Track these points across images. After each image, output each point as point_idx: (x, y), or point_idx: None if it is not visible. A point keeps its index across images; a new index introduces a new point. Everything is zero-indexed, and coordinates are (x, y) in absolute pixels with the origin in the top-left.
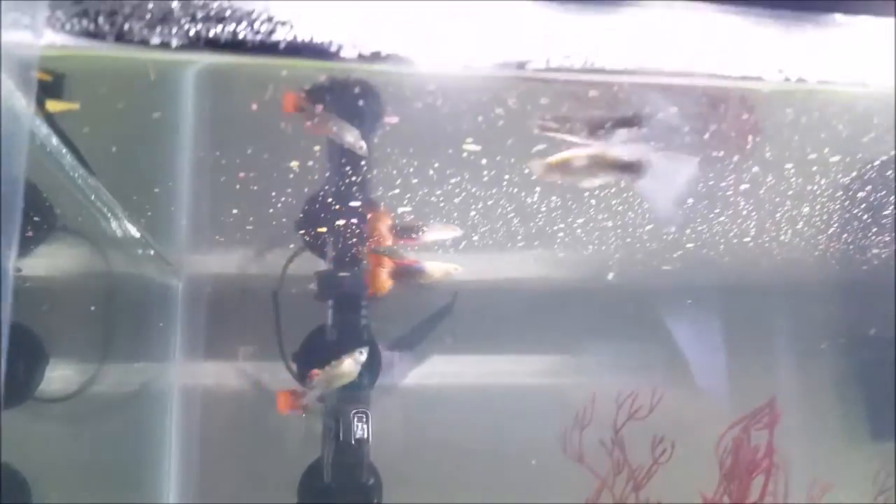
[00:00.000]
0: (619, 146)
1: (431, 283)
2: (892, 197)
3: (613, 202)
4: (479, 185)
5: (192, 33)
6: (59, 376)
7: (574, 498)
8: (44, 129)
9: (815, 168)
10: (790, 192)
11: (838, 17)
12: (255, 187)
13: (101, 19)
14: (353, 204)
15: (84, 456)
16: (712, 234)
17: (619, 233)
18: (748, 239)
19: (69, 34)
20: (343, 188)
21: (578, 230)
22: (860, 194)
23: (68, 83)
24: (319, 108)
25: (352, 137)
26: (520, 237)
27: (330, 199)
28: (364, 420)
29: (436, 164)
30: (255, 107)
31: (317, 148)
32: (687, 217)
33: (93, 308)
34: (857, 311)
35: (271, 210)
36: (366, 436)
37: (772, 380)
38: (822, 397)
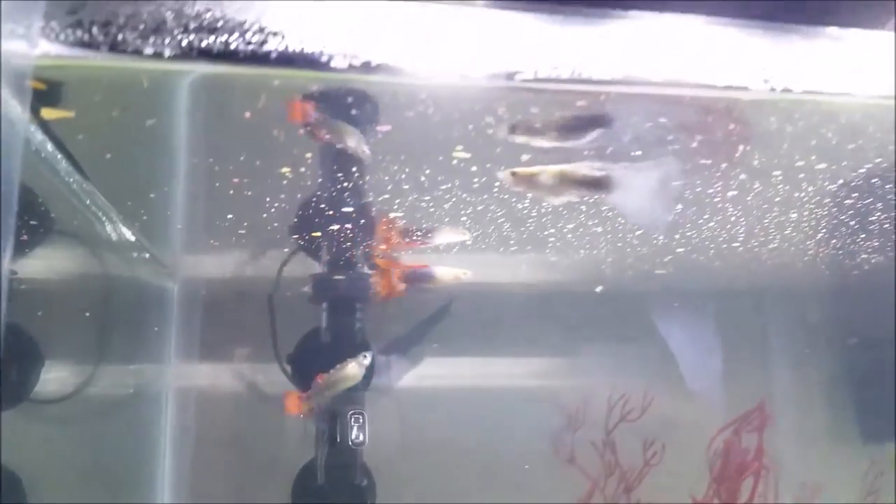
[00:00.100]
0: (588, 162)
1: (441, 287)
2: (880, 204)
3: (604, 207)
4: (469, 191)
5: (184, 43)
6: (54, 378)
7: (566, 499)
8: (39, 136)
9: (802, 175)
10: (777, 199)
11: (827, 29)
12: (250, 192)
13: (95, 29)
14: (348, 209)
15: (79, 457)
16: (702, 239)
17: (609, 238)
18: (737, 244)
19: (64, 44)
20: (337, 193)
21: (569, 235)
22: (847, 201)
23: (66, 91)
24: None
25: (355, 143)
26: (512, 241)
27: (323, 204)
28: (359, 421)
29: (427, 171)
30: (248, 115)
31: (308, 155)
32: (675, 222)
33: (88, 310)
34: (847, 315)
35: (265, 215)
36: (360, 437)
37: (763, 383)
38: (812, 400)
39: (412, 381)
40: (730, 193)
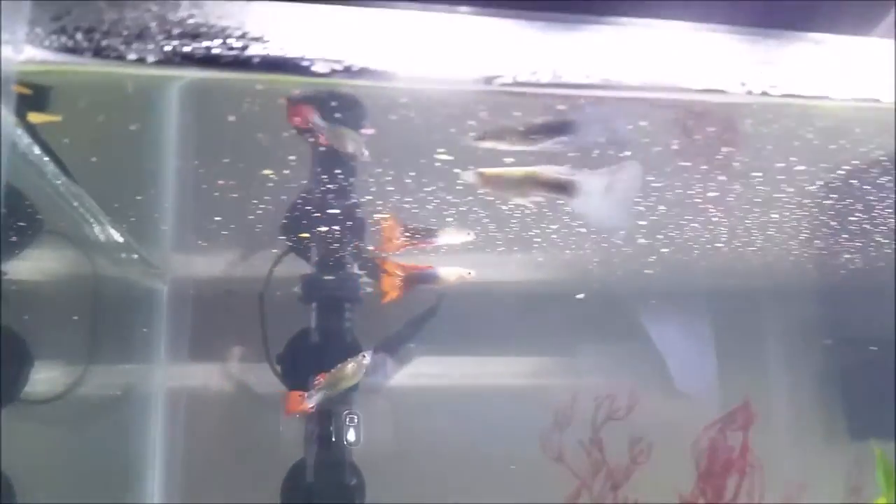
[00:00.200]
0: (554, 167)
1: (444, 287)
2: (860, 205)
3: (566, 210)
4: (453, 192)
5: (167, 49)
6: (44, 378)
7: (554, 497)
8: (26, 140)
9: (783, 177)
10: (758, 200)
11: (805, 34)
12: (236, 195)
13: (79, 35)
14: (339, 210)
15: (69, 457)
16: (692, 238)
17: (594, 238)
18: (721, 245)
19: (49, 49)
20: (325, 193)
21: (554, 235)
22: (829, 202)
23: (53, 95)
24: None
25: (355, 146)
26: (499, 242)
27: (316, 205)
28: (354, 422)
29: (411, 173)
30: (232, 118)
31: (292, 158)
32: (660, 222)
33: (78, 311)
34: (836, 313)
35: (252, 217)
36: (354, 438)
37: (750, 381)
38: (801, 398)
39: (401, 381)
40: (710, 194)
